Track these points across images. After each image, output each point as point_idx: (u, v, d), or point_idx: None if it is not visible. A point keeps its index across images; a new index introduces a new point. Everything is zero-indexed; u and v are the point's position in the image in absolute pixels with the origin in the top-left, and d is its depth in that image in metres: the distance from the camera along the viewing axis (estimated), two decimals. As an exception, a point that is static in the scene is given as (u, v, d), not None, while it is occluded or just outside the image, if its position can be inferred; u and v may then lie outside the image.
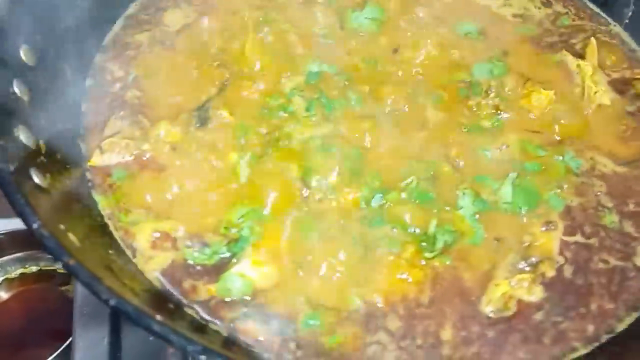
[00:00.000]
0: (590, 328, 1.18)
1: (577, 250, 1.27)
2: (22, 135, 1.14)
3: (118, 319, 1.39)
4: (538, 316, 1.19)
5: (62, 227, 1.03)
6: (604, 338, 1.19)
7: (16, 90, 1.20)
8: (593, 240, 1.28)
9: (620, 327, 1.20)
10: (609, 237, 1.30)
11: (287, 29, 1.62)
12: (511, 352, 1.14)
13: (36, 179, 1.09)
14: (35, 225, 0.94)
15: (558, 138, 1.48)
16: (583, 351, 1.15)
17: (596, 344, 1.17)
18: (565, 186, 1.38)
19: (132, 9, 1.65)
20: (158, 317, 0.90)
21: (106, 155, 1.36)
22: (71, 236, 1.03)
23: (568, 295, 1.22)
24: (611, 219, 1.32)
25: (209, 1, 1.67)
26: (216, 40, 1.59)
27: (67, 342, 1.58)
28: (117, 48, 1.55)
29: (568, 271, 1.24)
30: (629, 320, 1.21)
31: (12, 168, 1.02)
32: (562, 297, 1.21)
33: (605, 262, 1.26)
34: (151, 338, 1.27)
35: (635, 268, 1.26)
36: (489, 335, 1.16)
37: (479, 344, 1.15)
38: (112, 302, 0.89)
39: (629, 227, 1.32)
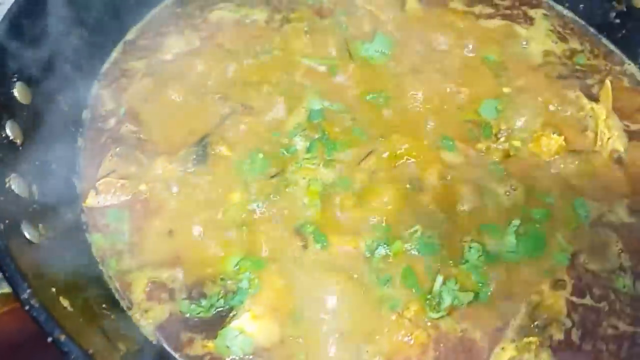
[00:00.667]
0: None
1: (586, 314, 1.23)
2: (15, 185, 1.09)
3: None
4: None
5: (53, 290, 0.99)
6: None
7: (9, 133, 1.14)
8: (603, 304, 1.24)
9: (629, 396, 1.17)
10: (619, 301, 1.26)
11: (292, 60, 1.57)
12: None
13: (27, 234, 1.04)
14: (25, 295, 0.89)
15: (568, 185, 1.43)
16: None
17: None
18: (575, 239, 1.33)
19: (131, 34, 1.59)
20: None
21: (102, 196, 1.31)
22: (63, 301, 0.98)
23: None
24: (624, 282, 1.28)
25: (213, 29, 1.61)
26: (218, 71, 1.53)
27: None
28: (114, 76, 1.50)
29: (575, 335, 1.20)
30: (638, 388, 1.18)
31: (2, 227, 0.97)
32: (573, 365, 1.18)
33: (615, 327, 1.22)
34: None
35: (646, 333, 1.23)
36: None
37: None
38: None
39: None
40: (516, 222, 1.32)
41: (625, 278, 1.28)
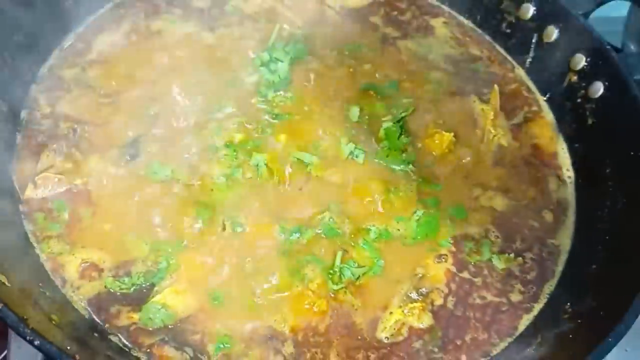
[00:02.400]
0: (463, 357, 1.36)
1: (461, 285, 1.45)
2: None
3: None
4: (417, 345, 1.36)
5: (-10, 267, 1.14)
6: (481, 361, 1.38)
7: (-49, 132, 1.28)
8: (477, 279, 1.46)
9: (495, 351, 1.39)
10: (492, 277, 1.47)
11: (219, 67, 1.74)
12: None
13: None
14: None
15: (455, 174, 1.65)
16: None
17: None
18: (459, 224, 1.55)
19: (69, 40, 1.73)
20: (77, 357, 1.02)
21: (40, 189, 1.46)
22: (0, 276, 1.13)
23: (449, 328, 1.39)
24: (499, 264, 1.49)
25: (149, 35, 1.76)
26: (148, 74, 1.69)
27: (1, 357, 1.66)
28: (50, 82, 1.64)
29: (450, 303, 1.42)
30: (502, 345, 1.40)
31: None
32: (444, 328, 1.39)
33: (483, 298, 1.44)
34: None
35: (509, 303, 1.45)
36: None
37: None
38: (36, 342, 1.01)
39: (514, 267, 1.50)
40: (419, 212, 1.53)
41: (500, 260, 1.50)
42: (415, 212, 1.54)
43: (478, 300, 1.43)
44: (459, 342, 1.38)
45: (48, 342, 1.02)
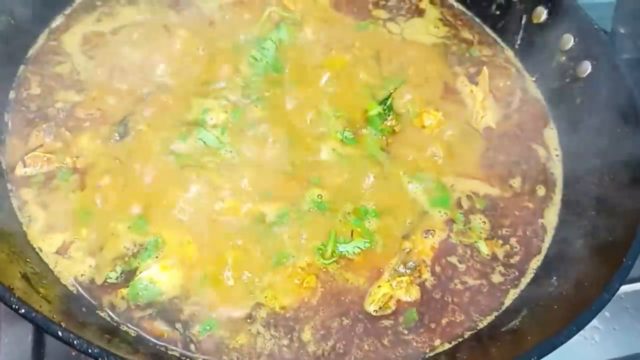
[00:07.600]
0: (437, 342, 1.36)
1: (445, 267, 1.45)
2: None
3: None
4: (385, 323, 1.37)
5: (-20, 240, 1.14)
6: (467, 334, 1.38)
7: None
8: (462, 266, 1.47)
9: (481, 324, 1.40)
10: (475, 260, 1.48)
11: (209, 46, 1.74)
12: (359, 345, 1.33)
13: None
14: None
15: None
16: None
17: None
18: (446, 205, 1.56)
19: (57, 20, 1.74)
20: (63, 324, 1.03)
21: (29, 168, 1.46)
22: (-10, 249, 1.14)
23: (426, 313, 1.39)
24: (485, 249, 1.50)
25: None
26: (138, 54, 1.69)
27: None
28: (40, 61, 1.64)
29: (430, 282, 1.43)
30: (489, 319, 1.41)
31: None
32: (423, 310, 1.39)
33: (464, 283, 1.44)
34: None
35: (489, 284, 1.45)
36: (348, 331, 1.35)
37: (336, 338, 1.33)
38: (21, 310, 1.02)
39: (500, 252, 1.51)
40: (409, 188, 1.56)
41: (485, 246, 1.50)
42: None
43: (459, 286, 1.44)
44: (433, 326, 1.38)
45: (34, 310, 1.02)
